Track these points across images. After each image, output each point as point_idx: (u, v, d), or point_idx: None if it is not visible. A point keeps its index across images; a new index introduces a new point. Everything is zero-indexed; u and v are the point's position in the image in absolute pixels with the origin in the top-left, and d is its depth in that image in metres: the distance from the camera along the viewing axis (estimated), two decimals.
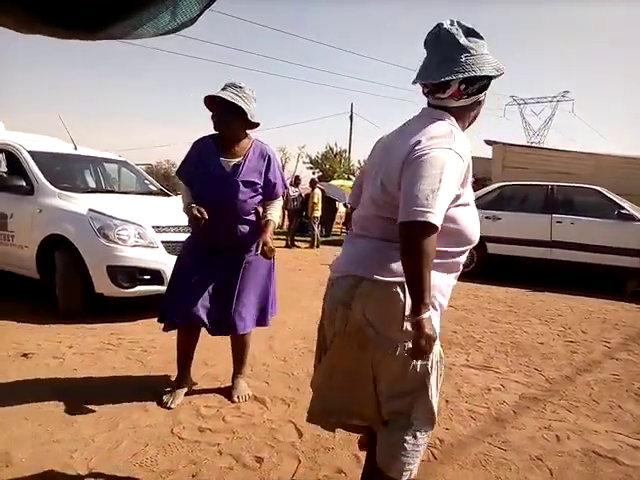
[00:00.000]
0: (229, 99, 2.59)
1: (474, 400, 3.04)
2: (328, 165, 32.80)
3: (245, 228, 2.76)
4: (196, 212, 2.57)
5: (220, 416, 2.66)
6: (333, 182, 19.82)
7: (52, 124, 7.15)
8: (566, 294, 6.81)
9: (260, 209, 2.86)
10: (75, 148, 5.79)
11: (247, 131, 2.80)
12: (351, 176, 29.49)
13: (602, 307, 6.09)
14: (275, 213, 2.85)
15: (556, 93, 43.43)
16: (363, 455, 2.29)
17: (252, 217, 2.79)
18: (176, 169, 2.99)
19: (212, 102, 2.66)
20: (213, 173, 2.69)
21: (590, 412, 2.92)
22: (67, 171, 5.62)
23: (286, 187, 3.29)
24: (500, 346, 4.22)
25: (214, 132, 2.77)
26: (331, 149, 35.18)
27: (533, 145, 22.14)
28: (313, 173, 27.50)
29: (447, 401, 2.98)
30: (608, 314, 5.71)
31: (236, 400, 2.86)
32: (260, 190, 2.79)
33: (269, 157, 2.82)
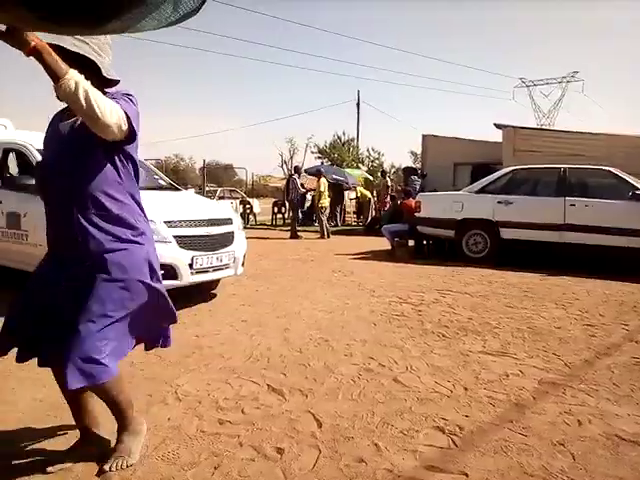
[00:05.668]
0: (74, 48, 1.78)
1: (493, 386, 3.01)
2: (337, 154, 32.76)
3: None
4: None
5: (239, 408, 2.67)
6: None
7: None
8: (581, 277, 6.74)
9: None
10: None
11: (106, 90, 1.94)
12: (360, 164, 29.45)
13: (619, 290, 6.02)
14: None
15: (565, 74, 42.80)
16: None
17: None
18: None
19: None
20: None
21: (611, 396, 2.89)
22: None
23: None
24: (517, 332, 4.19)
25: None
26: (339, 138, 35.09)
27: (544, 128, 21.81)
28: (322, 163, 27.43)
29: (465, 388, 2.97)
30: (625, 296, 5.64)
31: (106, 469, 2.01)
32: None
33: None
